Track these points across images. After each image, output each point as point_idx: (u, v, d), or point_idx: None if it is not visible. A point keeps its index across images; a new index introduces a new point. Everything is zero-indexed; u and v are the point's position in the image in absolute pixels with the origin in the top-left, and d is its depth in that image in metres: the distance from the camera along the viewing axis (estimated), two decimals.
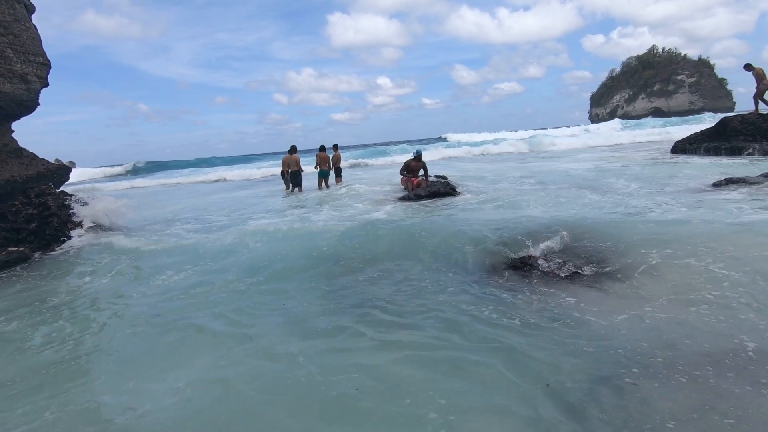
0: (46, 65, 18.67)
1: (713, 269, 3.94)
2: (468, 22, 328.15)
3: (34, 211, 6.19)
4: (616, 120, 65.40)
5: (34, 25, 18.78)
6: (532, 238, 5.28)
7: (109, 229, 7.56)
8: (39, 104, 18.54)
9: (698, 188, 8.32)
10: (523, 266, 4.59)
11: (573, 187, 9.63)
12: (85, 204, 7.61)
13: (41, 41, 18.59)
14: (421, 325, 3.59)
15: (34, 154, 19.05)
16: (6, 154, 17.67)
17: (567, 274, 4.38)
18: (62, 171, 20.05)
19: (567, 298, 3.88)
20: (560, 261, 4.63)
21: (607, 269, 4.33)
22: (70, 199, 7.66)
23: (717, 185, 8.21)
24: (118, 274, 5.56)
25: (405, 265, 5.04)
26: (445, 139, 51.45)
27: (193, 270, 5.47)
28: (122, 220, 8.16)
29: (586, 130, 47.00)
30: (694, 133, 16.43)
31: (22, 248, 5.88)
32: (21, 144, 18.77)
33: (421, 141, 48.40)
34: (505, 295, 4.05)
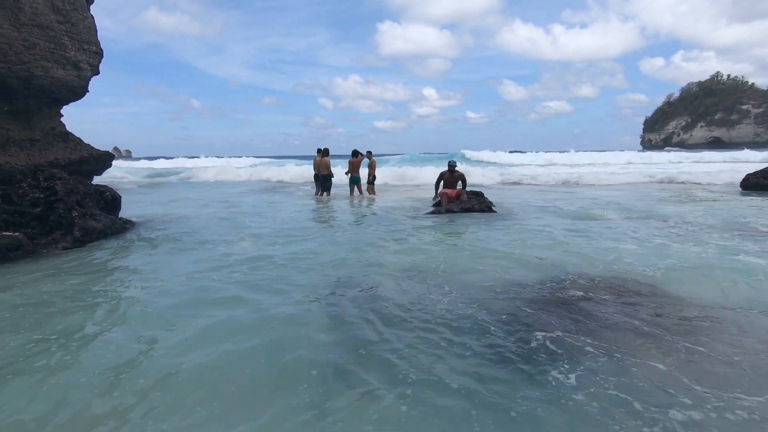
0: (99, 54, 19.24)
1: None
2: (520, 36, 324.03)
3: (41, 195, 5.93)
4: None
5: (92, 15, 19.42)
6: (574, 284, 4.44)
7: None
8: (88, 91, 19.09)
9: None
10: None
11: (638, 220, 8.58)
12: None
13: (96, 31, 19.20)
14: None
15: (80, 139, 19.61)
16: (53, 137, 18.24)
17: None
18: (105, 158, 20.53)
19: None
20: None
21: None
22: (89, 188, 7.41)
23: None
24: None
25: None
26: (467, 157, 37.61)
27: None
28: None
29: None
30: None
31: (17, 234, 5.55)
32: (84, 130, 19.41)
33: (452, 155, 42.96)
34: None
